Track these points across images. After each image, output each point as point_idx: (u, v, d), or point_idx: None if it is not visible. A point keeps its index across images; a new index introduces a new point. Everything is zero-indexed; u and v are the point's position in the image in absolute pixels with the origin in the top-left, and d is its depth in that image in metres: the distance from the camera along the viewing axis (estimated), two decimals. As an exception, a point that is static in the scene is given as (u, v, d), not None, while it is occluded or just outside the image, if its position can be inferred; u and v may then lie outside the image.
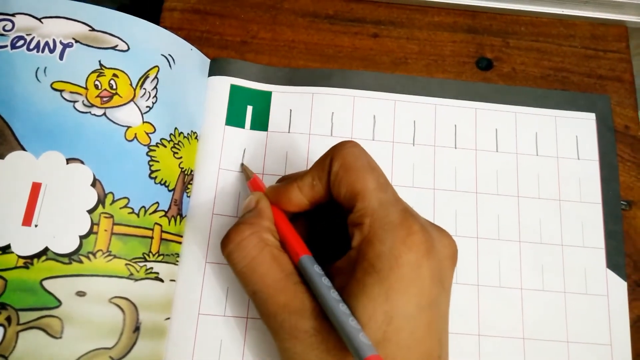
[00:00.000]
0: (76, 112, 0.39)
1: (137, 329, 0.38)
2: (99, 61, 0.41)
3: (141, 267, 0.39)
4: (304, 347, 0.32)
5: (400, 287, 0.30)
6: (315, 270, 0.33)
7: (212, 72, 0.48)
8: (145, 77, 0.42)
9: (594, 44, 0.52)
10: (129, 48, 0.42)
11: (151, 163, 0.41)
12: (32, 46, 0.40)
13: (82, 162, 0.39)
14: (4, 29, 0.40)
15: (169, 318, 0.41)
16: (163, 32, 0.45)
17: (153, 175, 0.41)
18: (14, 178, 0.37)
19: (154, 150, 0.41)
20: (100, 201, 0.39)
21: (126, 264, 0.39)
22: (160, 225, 0.41)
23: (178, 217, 0.43)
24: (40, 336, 0.35)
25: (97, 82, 0.41)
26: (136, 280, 0.39)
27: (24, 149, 0.38)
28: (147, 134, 0.41)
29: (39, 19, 0.41)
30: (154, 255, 0.40)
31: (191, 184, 0.44)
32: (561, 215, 0.46)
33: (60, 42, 0.41)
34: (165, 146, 0.42)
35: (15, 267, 0.36)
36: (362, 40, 0.52)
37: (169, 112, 0.43)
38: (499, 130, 0.48)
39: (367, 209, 0.33)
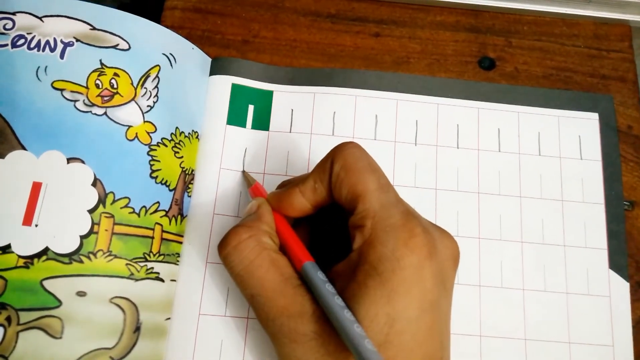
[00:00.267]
0: (77, 111, 0.39)
1: (137, 329, 0.38)
2: (100, 60, 0.41)
3: (142, 267, 0.39)
4: (303, 351, 0.31)
5: (402, 290, 0.30)
6: (318, 277, 0.33)
7: (214, 71, 0.48)
8: (146, 76, 0.42)
9: (597, 44, 0.52)
10: (130, 47, 0.42)
11: (152, 162, 0.41)
12: (32, 45, 0.40)
13: (82, 162, 0.38)
14: (4, 28, 0.40)
15: (169, 318, 0.41)
16: (164, 31, 0.44)
17: (154, 174, 0.41)
18: (15, 177, 0.37)
19: (155, 150, 0.41)
20: (101, 201, 0.38)
21: (127, 264, 0.39)
22: (161, 225, 0.41)
23: (179, 216, 0.42)
24: (41, 336, 0.35)
25: (98, 82, 0.41)
26: (137, 280, 0.39)
27: (24, 149, 0.37)
28: (148, 133, 0.41)
29: (40, 18, 0.41)
30: (154, 255, 0.40)
31: (192, 183, 0.44)
32: (563, 215, 0.46)
33: (61, 41, 0.41)
34: (166, 146, 0.42)
35: (16, 267, 0.36)
36: (364, 39, 0.52)
37: (170, 111, 0.43)
38: (502, 130, 0.48)
39: (368, 211, 0.33)
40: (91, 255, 0.37)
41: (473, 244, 0.45)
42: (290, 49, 0.51)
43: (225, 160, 0.45)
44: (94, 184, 0.38)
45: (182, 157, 0.43)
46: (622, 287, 0.44)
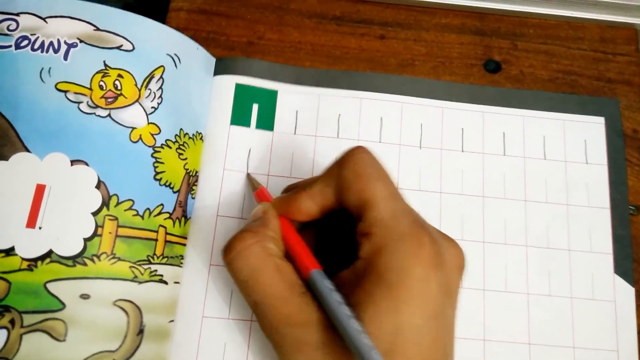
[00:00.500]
0: (81, 113, 0.39)
1: (141, 331, 0.38)
2: (104, 61, 0.41)
3: (145, 269, 0.39)
4: None
5: (409, 300, 0.30)
6: (325, 285, 0.32)
7: (218, 71, 0.48)
8: (150, 77, 0.42)
9: (603, 47, 0.52)
10: (134, 48, 0.42)
11: (156, 165, 0.41)
12: (36, 46, 0.40)
13: (86, 164, 0.38)
14: (8, 29, 0.40)
15: (172, 320, 0.41)
16: (168, 31, 0.44)
17: (158, 177, 0.41)
18: (18, 180, 0.37)
19: (159, 152, 0.41)
20: (105, 203, 0.38)
21: (130, 267, 0.38)
22: (165, 228, 0.41)
23: (183, 218, 0.42)
24: (44, 339, 0.35)
25: (101, 83, 0.40)
26: (140, 282, 0.39)
27: (28, 151, 0.37)
28: (152, 135, 0.41)
29: (44, 19, 0.41)
30: (158, 257, 0.40)
31: (196, 185, 0.44)
32: (569, 219, 0.45)
33: (65, 42, 0.40)
34: (170, 147, 0.42)
35: (19, 270, 0.35)
36: (369, 41, 0.52)
37: (174, 112, 0.43)
38: (507, 133, 0.48)
39: (376, 219, 0.32)
40: (95, 258, 0.37)
41: (477, 248, 0.44)
42: (295, 50, 0.51)
43: (229, 162, 0.45)
44: (97, 186, 0.38)
45: (186, 158, 0.43)
46: (627, 292, 0.44)
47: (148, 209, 0.40)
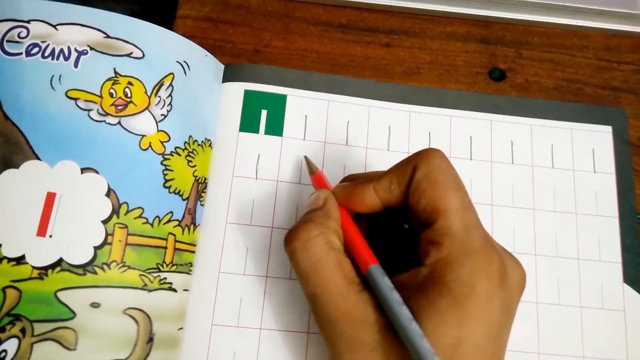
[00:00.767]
0: (91, 120, 0.39)
1: (150, 339, 0.38)
2: (114, 69, 0.41)
3: (155, 277, 0.39)
4: None
5: (473, 315, 0.30)
6: (385, 283, 0.32)
7: (226, 78, 0.48)
8: (160, 84, 0.42)
9: (608, 55, 0.52)
10: (143, 55, 0.42)
11: (165, 172, 0.41)
12: (47, 53, 0.40)
13: (96, 172, 0.38)
14: (18, 36, 0.40)
15: (182, 328, 0.41)
16: (178, 38, 0.44)
17: (167, 184, 0.41)
18: (29, 188, 0.37)
19: (169, 159, 0.41)
20: (115, 211, 0.38)
21: (140, 275, 0.38)
22: (174, 235, 0.41)
23: (192, 226, 0.42)
24: (55, 348, 0.35)
25: (111, 90, 0.40)
26: (150, 291, 0.39)
27: (38, 158, 0.37)
28: (161, 142, 0.41)
29: (54, 26, 0.41)
30: (167, 265, 0.40)
31: (205, 192, 0.44)
32: (577, 228, 0.46)
33: (75, 50, 0.40)
34: (179, 155, 0.42)
35: (30, 278, 0.35)
36: (375, 49, 0.52)
37: (184, 120, 0.43)
38: (515, 142, 0.48)
39: (448, 229, 0.32)
40: (105, 267, 0.37)
41: (486, 256, 0.44)
42: (301, 58, 0.51)
43: (238, 168, 0.45)
44: (107, 194, 0.38)
45: (195, 165, 0.43)
46: (636, 302, 0.44)
47: (157, 216, 0.40)
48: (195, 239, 0.43)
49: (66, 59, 0.40)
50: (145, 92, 0.41)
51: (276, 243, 0.43)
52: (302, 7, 0.53)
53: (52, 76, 0.39)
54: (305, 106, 0.48)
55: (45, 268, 0.36)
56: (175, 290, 0.40)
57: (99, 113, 0.39)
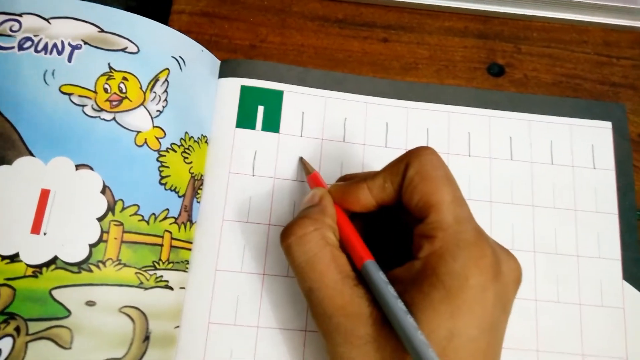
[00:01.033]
0: (85, 116, 0.39)
1: (146, 338, 0.38)
2: (109, 64, 0.40)
3: (151, 275, 0.39)
4: (358, 354, 0.31)
5: (466, 308, 0.30)
6: (380, 277, 0.32)
7: (222, 73, 0.47)
8: (155, 80, 0.42)
9: (607, 51, 0.52)
10: (138, 50, 0.41)
11: (161, 169, 0.40)
12: (40, 48, 0.39)
13: (91, 169, 0.38)
14: (11, 30, 0.39)
15: (178, 326, 0.40)
16: (173, 33, 0.44)
17: (163, 181, 0.40)
18: (23, 184, 0.36)
19: (164, 156, 0.41)
20: (110, 208, 0.38)
21: (136, 273, 0.38)
22: (170, 233, 0.40)
23: (188, 223, 0.42)
24: (50, 347, 0.34)
25: (106, 86, 0.40)
26: (146, 289, 0.38)
27: (32, 155, 0.37)
28: (157, 139, 0.41)
29: (47, 20, 0.40)
30: (163, 263, 0.39)
31: (201, 189, 0.44)
32: (577, 225, 0.45)
33: (69, 44, 0.40)
34: (175, 151, 0.41)
35: (24, 276, 0.35)
36: (372, 44, 0.51)
37: (180, 116, 0.42)
38: (514, 138, 0.47)
39: (441, 223, 0.32)
40: (100, 264, 0.37)
41: (484, 253, 0.44)
42: (298, 54, 0.50)
43: (235, 165, 0.44)
44: (103, 191, 0.38)
45: (191, 162, 0.43)
46: (636, 299, 0.44)
47: (153, 214, 0.39)
48: (192, 236, 0.42)
49: (60, 53, 0.39)
50: (141, 88, 0.41)
51: (273, 240, 0.43)
52: (299, 2, 0.52)
53: (46, 71, 0.39)
54: (302, 103, 0.47)
55: (40, 266, 0.35)
56: (171, 288, 0.40)
57: (94, 109, 0.39)
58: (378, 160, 0.46)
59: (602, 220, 0.46)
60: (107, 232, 0.37)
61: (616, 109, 0.49)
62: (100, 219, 0.37)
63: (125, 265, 0.38)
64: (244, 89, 0.47)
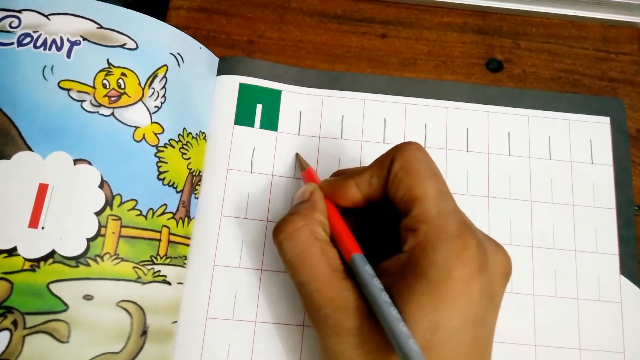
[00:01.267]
0: (84, 111, 0.39)
1: (144, 332, 0.38)
2: (107, 60, 0.41)
3: (149, 270, 0.39)
4: (346, 345, 0.32)
5: (449, 300, 0.30)
6: (366, 270, 0.33)
7: (221, 71, 0.47)
8: (153, 76, 0.42)
9: (606, 46, 0.52)
10: (137, 46, 0.42)
11: (159, 164, 0.40)
12: (39, 44, 0.39)
13: (89, 163, 0.38)
14: (10, 26, 0.39)
15: (176, 321, 0.40)
16: (172, 30, 0.44)
17: (161, 176, 0.40)
18: (21, 179, 0.36)
19: (163, 151, 0.41)
20: (108, 203, 0.38)
21: (134, 267, 0.38)
22: (168, 228, 0.40)
23: (186, 218, 0.42)
24: (47, 340, 0.35)
25: (105, 81, 0.40)
26: (144, 283, 0.38)
27: (30, 150, 0.37)
28: (155, 134, 0.41)
29: (46, 16, 0.40)
30: (161, 257, 0.40)
31: (199, 185, 0.44)
32: (574, 220, 0.45)
33: (68, 40, 0.40)
34: (173, 147, 0.42)
35: (22, 270, 0.35)
36: (371, 40, 0.51)
37: (178, 112, 0.43)
38: (512, 133, 0.47)
39: (424, 216, 0.32)
40: (98, 259, 0.37)
41: (482, 248, 0.44)
42: (296, 49, 0.50)
43: (233, 161, 0.44)
44: (101, 186, 0.38)
45: (189, 158, 0.43)
46: (633, 293, 0.44)
47: (151, 209, 0.40)
48: (190, 231, 0.43)
49: (59, 49, 0.40)
50: (139, 84, 0.41)
51: (271, 237, 0.43)
52: (298, -2, 0.52)
53: (45, 66, 0.39)
54: (299, 101, 0.47)
55: (37, 260, 0.35)
56: (169, 283, 0.40)
57: (92, 104, 0.39)
58: (376, 157, 0.45)
59: (600, 215, 0.46)
60: (105, 227, 0.38)
61: (614, 105, 0.49)
62: (98, 214, 0.37)
63: (123, 259, 0.38)
64: (243, 87, 0.47)
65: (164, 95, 0.42)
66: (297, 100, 0.47)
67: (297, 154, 0.45)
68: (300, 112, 0.47)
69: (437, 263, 0.31)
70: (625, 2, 0.51)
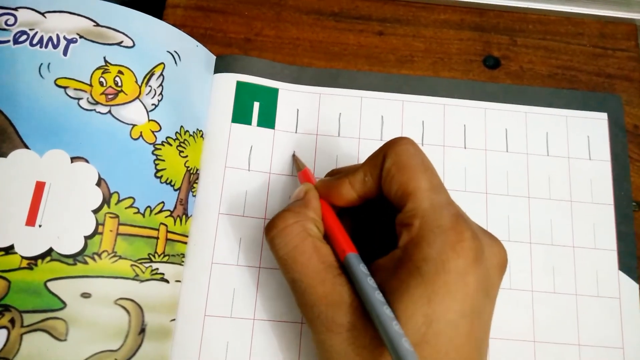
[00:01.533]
0: (81, 109, 0.39)
1: (142, 330, 0.38)
2: (104, 57, 0.41)
3: (147, 267, 0.39)
4: (339, 341, 0.31)
5: (444, 293, 0.30)
6: (360, 270, 0.33)
7: (218, 69, 0.47)
8: (150, 74, 0.42)
9: (603, 42, 0.52)
10: (134, 44, 0.42)
11: (157, 162, 0.40)
12: (35, 41, 0.39)
13: (86, 161, 0.38)
14: (6, 24, 0.39)
15: (174, 319, 0.40)
16: (169, 28, 0.44)
17: (159, 174, 0.40)
18: (17, 177, 0.36)
19: (160, 149, 0.41)
20: (106, 201, 0.38)
21: (132, 265, 0.38)
22: (166, 226, 0.40)
23: (183, 216, 0.42)
24: (45, 338, 0.35)
25: (102, 79, 0.40)
26: (142, 281, 0.38)
27: (27, 147, 0.37)
28: (152, 132, 0.41)
29: (42, 14, 0.40)
30: (159, 255, 0.40)
31: (197, 183, 0.44)
32: (572, 216, 0.45)
33: (64, 38, 0.40)
34: (171, 145, 0.41)
35: (19, 268, 0.35)
36: (368, 38, 0.51)
37: (175, 110, 0.42)
38: (509, 130, 0.47)
39: (417, 210, 0.32)
40: (96, 256, 0.37)
41: (480, 245, 0.44)
42: (293, 47, 0.50)
43: (230, 159, 0.44)
44: (98, 184, 0.38)
45: (186, 156, 0.43)
46: (631, 289, 0.44)
47: (149, 206, 0.40)
48: (187, 229, 0.42)
49: (55, 47, 0.40)
50: (136, 82, 0.41)
51: (269, 234, 0.43)
52: (294, -4, 0.52)
53: (41, 64, 0.39)
54: (297, 99, 0.47)
55: (35, 258, 0.35)
56: (167, 281, 0.40)
57: (89, 102, 0.39)
58: (373, 154, 0.46)
59: (598, 211, 0.46)
60: (103, 225, 0.37)
61: (612, 101, 0.49)
62: (95, 212, 0.37)
63: (120, 257, 0.38)
64: (240, 85, 0.47)
65: (161, 93, 0.42)
66: (294, 98, 0.47)
67: (293, 155, 0.45)
68: (298, 109, 0.47)
69: (431, 256, 0.31)
70: (622, -2, 0.51)
